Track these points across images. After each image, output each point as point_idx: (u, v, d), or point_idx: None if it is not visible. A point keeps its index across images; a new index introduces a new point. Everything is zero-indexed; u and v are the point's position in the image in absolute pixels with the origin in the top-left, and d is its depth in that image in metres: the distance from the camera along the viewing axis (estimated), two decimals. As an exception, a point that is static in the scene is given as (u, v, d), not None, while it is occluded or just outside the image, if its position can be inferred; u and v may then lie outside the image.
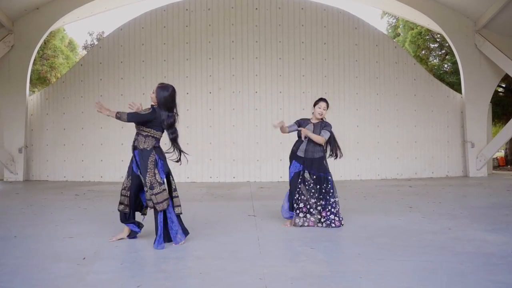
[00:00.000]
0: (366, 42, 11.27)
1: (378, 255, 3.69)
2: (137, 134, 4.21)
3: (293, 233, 4.63)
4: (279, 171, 10.84)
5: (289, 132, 5.20)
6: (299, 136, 5.08)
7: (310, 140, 4.97)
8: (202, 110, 10.85)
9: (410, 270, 3.28)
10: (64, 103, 11.25)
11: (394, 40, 13.94)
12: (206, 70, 11.02)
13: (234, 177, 10.89)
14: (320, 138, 4.96)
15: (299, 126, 5.09)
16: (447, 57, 16.01)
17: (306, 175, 5.01)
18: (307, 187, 4.96)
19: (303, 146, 5.04)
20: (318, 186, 4.95)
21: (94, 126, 11.09)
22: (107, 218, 5.58)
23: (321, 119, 5.07)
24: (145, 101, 10.58)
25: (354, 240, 4.29)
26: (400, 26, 15.55)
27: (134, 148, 4.22)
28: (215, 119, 10.93)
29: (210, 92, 10.92)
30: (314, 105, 5.08)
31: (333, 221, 4.88)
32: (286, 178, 10.97)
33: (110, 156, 10.99)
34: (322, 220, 4.88)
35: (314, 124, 5.07)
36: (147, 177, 4.08)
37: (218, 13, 11.10)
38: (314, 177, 4.97)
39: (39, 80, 14.24)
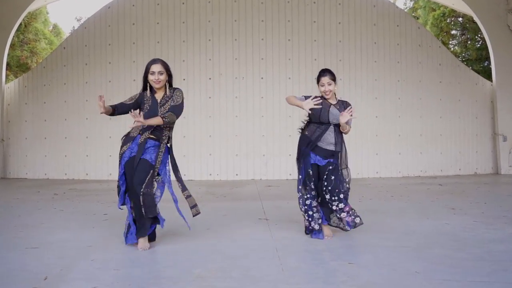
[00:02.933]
0: (385, 22, 10.40)
1: (443, 274, 2.85)
2: (170, 128, 3.83)
3: (319, 242, 3.78)
4: (288, 168, 9.97)
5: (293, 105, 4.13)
6: (315, 118, 4.05)
7: (337, 126, 4.04)
8: (200, 99, 10.00)
9: (501, 298, 2.44)
10: (45, 91, 10.39)
11: (417, 20, 13.08)
12: (205, 53, 10.15)
13: (237, 174, 10.03)
14: (349, 130, 4.05)
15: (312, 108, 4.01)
16: (468, 43, 15.21)
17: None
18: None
19: (331, 137, 4.00)
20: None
21: (78, 117, 10.22)
22: (86, 223, 4.74)
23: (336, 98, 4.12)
24: (136, 88, 9.76)
25: (402, 251, 3.45)
26: (421, 8, 14.68)
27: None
28: (216, 109, 10.07)
29: (210, 78, 10.05)
30: (317, 83, 4.12)
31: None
32: (295, 175, 10.12)
33: (96, 151, 10.13)
34: (344, 217, 3.98)
35: (331, 105, 4.04)
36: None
37: (219, -11, 10.25)
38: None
39: (19, 67, 13.36)
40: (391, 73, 10.39)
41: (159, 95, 3.77)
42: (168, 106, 3.71)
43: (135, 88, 10.00)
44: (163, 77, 3.71)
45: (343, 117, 3.89)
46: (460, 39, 15.66)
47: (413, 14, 16.13)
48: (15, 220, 4.92)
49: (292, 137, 10.00)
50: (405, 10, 16.41)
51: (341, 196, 3.92)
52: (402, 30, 10.45)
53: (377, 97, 10.22)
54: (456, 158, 10.58)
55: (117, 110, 3.77)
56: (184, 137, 9.65)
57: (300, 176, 4.11)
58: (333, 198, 3.91)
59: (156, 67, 3.70)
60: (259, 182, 9.35)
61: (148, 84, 3.78)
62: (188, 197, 3.77)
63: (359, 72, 10.23)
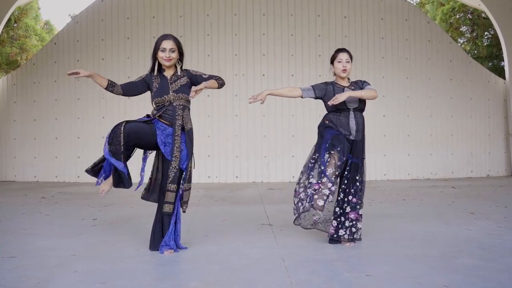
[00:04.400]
0: (393, 16, 10.10)
1: (477, 288, 2.53)
2: (183, 107, 3.45)
3: (330, 251, 3.46)
4: (291, 170, 9.65)
5: (303, 97, 3.77)
6: (331, 107, 3.67)
7: (358, 111, 3.72)
8: (198, 97, 9.49)
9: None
10: (35, 89, 10.07)
11: (427, 15, 12.79)
12: (203, 49, 9.84)
13: (237, 177, 9.71)
14: (374, 92, 3.66)
15: (323, 95, 3.73)
16: (477, 40, 14.92)
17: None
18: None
19: (353, 123, 3.66)
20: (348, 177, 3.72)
21: (70, 116, 9.91)
22: (72, 228, 4.41)
23: (349, 79, 3.81)
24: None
25: (425, 261, 3.12)
26: (429, 3, 14.36)
27: (182, 128, 3.43)
28: (214, 108, 9.75)
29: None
30: (332, 61, 3.84)
31: (359, 229, 3.70)
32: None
33: (89, 151, 9.80)
34: (348, 225, 3.67)
35: (344, 87, 3.71)
36: (188, 166, 3.45)
37: (218, -18, 9.95)
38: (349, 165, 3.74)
39: (9, 65, 13.05)
40: (399, 70, 10.09)
41: (168, 73, 3.50)
42: (181, 83, 3.45)
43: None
44: (175, 54, 3.45)
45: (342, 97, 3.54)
46: (470, 36, 15.38)
47: (422, 9, 15.86)
48: (-5, 226, 4.59)
49: (295, 137, 9.75)
50: (414, 4, 16.16)
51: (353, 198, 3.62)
52: (410, 24, 10.16)
53: (384, 95, 9.90)
54: (467, 160, 10.28)
55: (124, 89, 3.50)
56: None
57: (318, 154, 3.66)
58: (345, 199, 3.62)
59: (168, 44, 3.44)
60: (261, 184, 9.03)
61: (157, 64, 3.50)
62: (186, 190, 3.43)
63: (366, 69, 9.92)
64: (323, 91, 3.75)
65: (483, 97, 10.42)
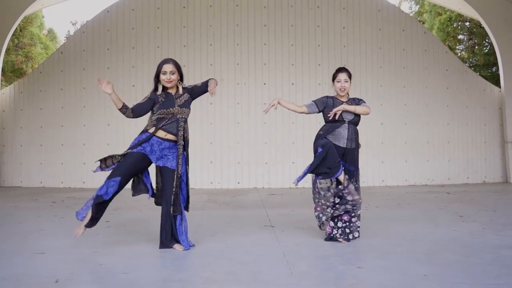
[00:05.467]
0: (391, 27, 10.60)
1: (452, 277, 2.98)
2: (185, 120, 3.96)
3: (327, 248, 3.91)
4: (292, 176, 10.07)
5: (308, 113, 4.30)
6: (329, 118, 4.16)
7: (352, 123, 4.23)
8: (201, 105, 10.10)
9: (510, 299, 2.57)
10: (41, 97, 10.54)
11: (423, 25, 13.28)
12: (206, 59, 10.33)
13: (238, 183, 10.16)
14: (366, 109, 4.20)
15: (324, 107, 4.24)
16: (475, 48, 15.40)
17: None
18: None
19: (344, 132, 4.17)
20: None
21: (75, 124, 10.37)
22: (88, 229, 4.84)
23: (348, 94, 4.32)
24: (136, 93, 9.90)
25: (411, 256, 3.57)
26: (426, 12, 14.89)
27: (184, 139, 3.96)
28: (217, 115, 10.22)
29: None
30: (332, 79, 4.33)
31: (357, 229, 4.16)
32: (300, 183, 10.23)
33: (94, 158, 10.14)
34: (340, 226, 4.15)
35: (346, 102, 4.23)
36: (187, 170, 4.04)
37: (220, -7, 10.45)
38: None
39: (14, 72, 13.53)
40: (397, 78, 10.56)
41: (172, 91, 3.96)
42: (184, 99, 3.93)
43: (134, 94, 10.17)
44: (175, 76, 3.89)
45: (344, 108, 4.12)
46: (467, 44, 15.86)
47: (419, 19, 16.35)
48: (16, 227, 5.04)
49: (295, 144, 10.20)
50: (411, 15, 16.65)
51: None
52: (407, 34, 10.64)
53: (382, 104, 10.38)
54: (464, 166, 10.72)
55: (134, 112, 3.90)
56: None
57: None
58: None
59: (168, 67, 3.89)
60: (262, 190, 9.47)
61: (159, 85, 3.95)
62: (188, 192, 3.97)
63: (364, 78, 10.39)
64: (324, 104, 4.26)
65: (479, 105, 10.88)
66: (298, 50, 10.39)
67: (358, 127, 4.29)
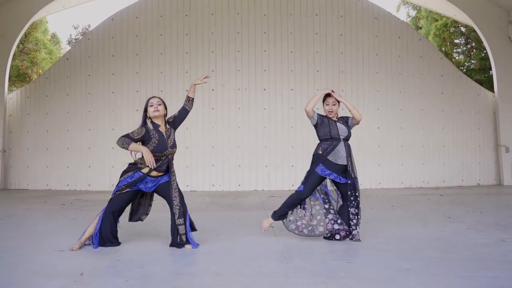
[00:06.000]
0: (387, 34, 11.05)
1: (431, 271, 3.41)
2: (173, 157, 4.45)
3: (322, 246, 4.34)
4: (291, 179, 10.54)
5: (310, 116, 4.71)
6: (323, 136, 4.66)
7: (346, 140, 4.66)
8: (203, 110, 10.57)
9: (477, 288, 3.00)
10: (48, 102, 10.98)
11: (419, 32, 13.73)
12: (208, 65, 10.78)
13: (239, 185, 10.60)
14: (359, 114, 4.67)
15: (321, 122, 4.68)
16: (472, 52, 15.83)
17: (331, 187, 4.74)
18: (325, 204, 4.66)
19: (343, 150, 4.61)
20: (345, 195, 4.66)
21: (81, 128, 10.81)
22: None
23: (337, 114, 4.78)
24: (139, 98, 10.34)
25: (397, 253, 4.00)
26: (423, 18, 15.35)
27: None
28: (218, 120, 10.66)
29: (213, 89, 10.66)
30: (323, 102, 4.81)
31: (357, 234, 4.60)
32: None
33: (99, 161, 10.70)
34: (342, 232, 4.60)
35: (336, 121, 4.69)
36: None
37: (222, 0, 10.88)
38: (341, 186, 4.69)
39: (18, 77, 13.97)
40: (393, 84, 11.00)
41: (162, 128, 4.39)
42: (173, 139, 4.40)
43: (138, 99, 10.63)
44: (161, 107, 4.36)
45: (342, 100, 4.68)
46: (464, 48, 16.29)
47: (416, 24, 16.78)
48: (32, 228, 5.46)
49: (294, 148, 10.64)
50: (408, 20, 17.10)
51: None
52: (403, 41, 11.08)
53: (379, 108, 10.82)
54: (458, 169, 11.14)
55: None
56: (186, 148, 10.21)
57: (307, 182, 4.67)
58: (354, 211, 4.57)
59: (154, 100, 4.39)
60: (262, 193, 9.90)
61: (147, 119, 4.39)
62: (180, 225, 4.31)
63: (361, 83, 10.84)
64: (321, 119, 4.71)
65: (473, 109, 11.32)
66: (297, 56, 10.83)
67: (355, 132, 4.77)
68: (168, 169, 4.41)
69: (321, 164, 4.65)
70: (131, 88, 10.73)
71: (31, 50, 13.77)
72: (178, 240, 4.24)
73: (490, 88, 12.21)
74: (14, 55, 13.49)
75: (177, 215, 4.26)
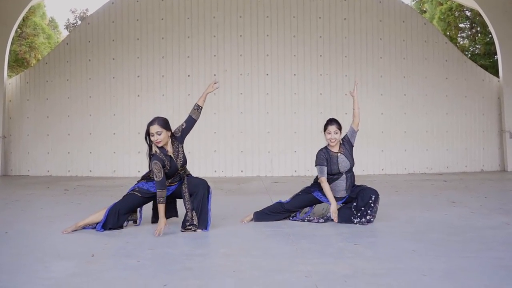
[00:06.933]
0: (391, 18, 11.09)
1: (436, 252, 3.55)
2: (185, 170, 4.62)
3: (328, 229, 4.48)
4: (293, 164, 10.68)
5: (322, 176, 4.70)
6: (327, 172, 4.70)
7: (349, 172, 4.74)
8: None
9: (482, 267, 3.13)
10: (47, 87, 11.04)
11: (423, 16, 13.76)
12: (210, 49, 10.84)
13: (242, 171, 10.73)
14: (359, 120, 4.81)
15: (328, 163, 4.72)
16: (477, 37, 15.87)
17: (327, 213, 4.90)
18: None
19: (343, 184, 4.71)
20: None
21: (81, 113, 10.89)
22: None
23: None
24: (141, 84, 10.42)
25: (402, 236, 4.14)
26: (427, 2, 15.35)
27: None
28: (220, 105, 10.75)
29: (215, 74, 10.72)
30: (324, 130, 4.81)
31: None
32: (301, 172, 10.89)
33: (100, 147, 10.81)
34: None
35: (337, 153, 4.73)
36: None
37: (223, -16, 10.92)
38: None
39: (17, 62, 14.01)
40: (397, 69, 11.07)
41: (170, 151, 4.42)
42: (182, 157, 4.47)
43: (139, 84, 10.73)
44: (162, 136, 4.29)
45: (354, 95, 4.82)
46: (469, 33, 16.33)
47: (420, 8, 16.79)
48: (40, 213, 5.60)
49: (297, 133, 10.76)
50: (412, 4, 17.11)
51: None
52: (408, 26, 11.13)
53: (382, 94, 10.91)
54: (462, 155, 11.27)
55: (163, 183, 4.33)
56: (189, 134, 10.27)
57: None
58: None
59: (153, 128, 4.29)
60: (265, 178, 10.04)
61: (152, 144, 4.38)
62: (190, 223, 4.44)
63: (365, 68, 10.91)
64: (325, 160, 4.72)
65: (478, 95, 11.41)
66: (300, 41, 10.89)
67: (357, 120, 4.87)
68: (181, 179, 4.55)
69: (318, 191, 4.80)
70: (132, 73, 10.80)
71: (29, 35, 13.81)
72: (187, 224, 4.38)
73: (495, 73, 12.27)
74: (12, 39, 13.54)
75: (189, 210, 4.41)
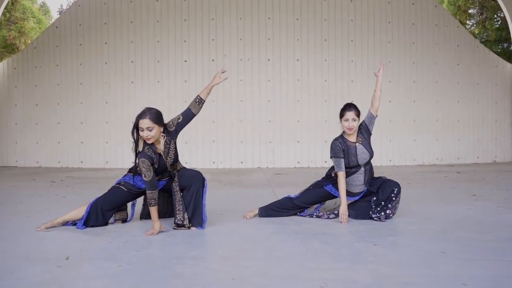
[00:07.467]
0: (400, 0, 10.49)
1: (470, 254, 3.04)
2: (176, 166, 4.09)
3: (341, 227, 3.97)
4: (296, 155, 10.17)
5: (340, 171, 4.13)
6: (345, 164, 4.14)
7: (368, 165, 4.23)
8: (203, 82, 10.10)
9: (532, 274, 2.63)
10: (36, 74, 10.50)
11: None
12: (208, 33, 10.28)
13: (242, 162, 10.21)
14: (379, 102, 4.28)
15: (344, 154, 4.15)
16: (487, 22, 15.34)
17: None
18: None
19: (361, 178, 4.19)
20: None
21: (72, 101, 10.35)
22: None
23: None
24: (134, 70, 9.91)
25: (425, 234, 3.64)
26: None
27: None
28: (219, 93, 10.19)
29: (213, 60, 10.18)
30: (340, 116, 4.20)
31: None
32: (304, 163, 10.38)
33: (92, 137, 10.29)
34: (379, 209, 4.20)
35: (355, 143, 4.17)
36: None
37: (222, -36, 10.34)
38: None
39: (6, 48, 13.45)
40: (406, 54, 10.53)
41: (160, 148, 3.87)
42: (172, 154, 3.92)
43: (134, 70, 10.21)
44: (154, 132, 3.73)
45: (379, 75, 4.27)
46: (479, 19, 15.78)
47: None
48: (18, 206, 5.09)
49: (300, 122, 10.23)
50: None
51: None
52: (417, 8, 10.58)
53: (390, 80, 10.37)
54: (474, 146, 10.78)
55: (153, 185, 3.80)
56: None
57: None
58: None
59: (143, 123, 3.69)
60: (266, 170, 9.53)
61: (140, 139, 3.82)
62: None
63: (372, 54, 10.38)
64: (341, 151, 4.14)
65: (491, 82, 10.89)
66: (303, 24, 10.33)
67: (365, 106, 4.34)
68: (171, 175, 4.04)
69: (331, 185, 4.27)
70: (126, 58, 10.25)
71: (19, 19, 13.24)
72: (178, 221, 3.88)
73: (507, 60, 11.76)
74: (0, 24, 13.00)
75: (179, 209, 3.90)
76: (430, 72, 10.59)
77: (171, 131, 3.95)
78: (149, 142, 3.77)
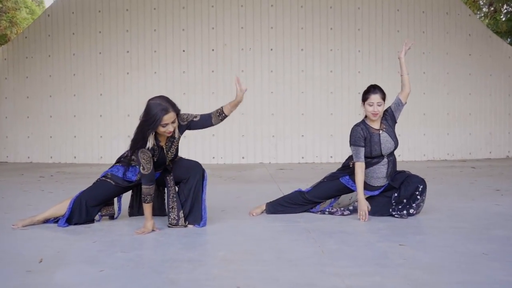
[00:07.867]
0: (409, -13, 10.12)
1: (516, 256, 2.60)
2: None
3: (358, 224, 3.53)
4: (300, 150, 9.72)
5: (359, 161, 3.68)
6: (365, 153, 3.70)
7: (391, 155, 3.79)
8: (202, 73, 9.69)
9: None
10: (27, 65, 10.07)
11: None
12: (207, 22, 9.82)
13: (243, 157, 9.77)
14: (409, 85, 3.89)
15: (366, 143, 3.69)
16: (496, 14, 14.94)
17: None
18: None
19: (383, 170, 3.72)
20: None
21: (65, 94, 9.92)
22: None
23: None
24: (130, 61, 9.49)
25: (456, 233, 3.19)
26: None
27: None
28: (219, 84, 9.76)
29: (213, 50, 9.74)
30: (363, 100, 3.75)
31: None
32: (309, 158, 9.94)
33: (85, 131, 9.86)
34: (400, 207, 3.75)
35: (379, 130, 3.72)
36: None
37: (222, -50, 9.90)
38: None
39: (-3, 39, 13.06)
40: (415, 44, 10.02)
41: (163, 142, 3.46)
42: (175, 147, 3.51)
43: (129, 60, 9.80)
44: (175, 123, 3.35)
45: (401, 57, 3.89)
46: (488, 10, 15.37)
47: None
48: (-2, 202, 4.65)
49: (305, 115, 9.80)
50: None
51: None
52: (428, -5, 10.14)
53: (399, 71, 9.89)
54: (486, 140, 10.36)
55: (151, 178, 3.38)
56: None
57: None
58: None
59: (169, 117, 3.25)
60: (269, 165, 9.10)
61: (150, 136, 3.33)
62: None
63: (380, 43, 9.95)
64: (362, 140, 3.69)
65: (504, 73, 10.46)
66: (308, 12, 9.87)
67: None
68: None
69: (348, 177, 3.82)
70: (121, 48, 9.81)
71: (10, 9, 12.79)
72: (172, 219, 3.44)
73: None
74: (-9, 14, 12.60)
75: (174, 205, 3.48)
76: (441, 63, 10.15)
77: (182, 125, 3.50)
78: (168, 135, 3.37)
